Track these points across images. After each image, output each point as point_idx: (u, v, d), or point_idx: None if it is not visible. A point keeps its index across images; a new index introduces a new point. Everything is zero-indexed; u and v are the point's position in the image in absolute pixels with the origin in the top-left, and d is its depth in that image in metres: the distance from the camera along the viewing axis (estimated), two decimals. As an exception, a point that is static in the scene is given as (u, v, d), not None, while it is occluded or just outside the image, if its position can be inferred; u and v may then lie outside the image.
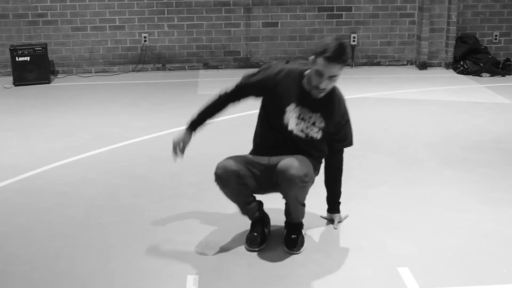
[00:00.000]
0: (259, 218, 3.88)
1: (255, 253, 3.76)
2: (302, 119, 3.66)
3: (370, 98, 7.66)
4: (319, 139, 3.71)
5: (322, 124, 3.68)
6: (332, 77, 3.50)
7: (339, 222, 4.13)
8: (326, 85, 3.51)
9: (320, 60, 3.44)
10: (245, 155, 3.81)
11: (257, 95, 3.76)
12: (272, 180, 3.62)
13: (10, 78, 8.86)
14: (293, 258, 3.71)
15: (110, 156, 5.64)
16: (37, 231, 4.14)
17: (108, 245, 3.92)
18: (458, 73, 9.07)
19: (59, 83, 8.91)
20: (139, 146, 5.93)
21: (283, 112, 3.66)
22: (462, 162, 5.37)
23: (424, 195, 4.66)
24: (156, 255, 3.77)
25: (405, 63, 9.63)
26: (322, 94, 3.59)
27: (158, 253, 3.79)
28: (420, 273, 3.52)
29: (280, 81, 3.66)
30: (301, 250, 3.77)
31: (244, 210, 3.83)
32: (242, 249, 3.82)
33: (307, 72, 3.62)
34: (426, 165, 5.29)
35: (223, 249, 3.83)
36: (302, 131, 3.67)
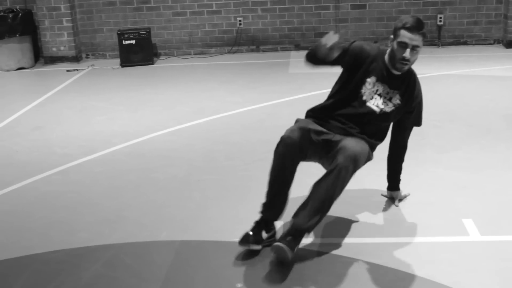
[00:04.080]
0: (267, 219, 3.76)
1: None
2: (379, 94, 3.78)
3: (454, 75, 7.94)
4: (389, 112, 3.78)
5: (398, 102, 3.80)
6: (414, 48, 3.63)
7: (400, 200, 4.23)
8: (410, 56, 3.64)
9: (403, 32, 3.60)
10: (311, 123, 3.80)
11: (348, 62, 3.75)
12: (323, 153, 3.71)
13: (118, 60, 9.68)
14: (368, 205, 4.15)
15: (208, 126, 6.25)
16: (146, 185, 4.79)
17: (205, 197, 4.51)
18: (545, 51, 9.20)
19: (161, 64, 9.68)
20: (234, 118, 6.51)
21: (363, 82, 3.77)
22: (537, 131, 5.65)
23: (496, 160, 4.99)
24: (246, 205, 4.31)
25: (492, 42, 9.80)
26: (406, 67, 3.72)
27: (248, 204, 4.31)
28: (482, 224, 3.90)
29: (370, 54, 3.78)
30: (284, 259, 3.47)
31: (273, 196, 3.71)
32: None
33: (388, 50, 3.81)
34: (501, 134, 5.60)
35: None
36: (377, 106, 3.78)
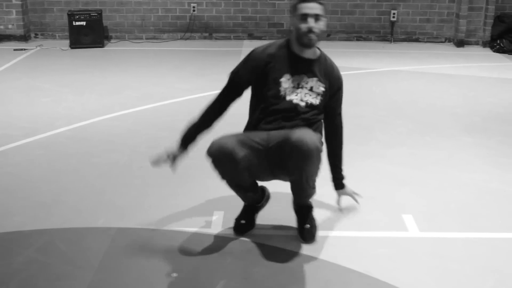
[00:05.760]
0: (254, 203, 3.85)
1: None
2: (301, 87, 3.59)
3: (404, 71, 7.99)
4: (317, 104, 3.60)
5: (321, 89, 3.62)
6: (316, 17, 3.49)
7: (346, 195, 3.92)
8: (313, 24, 3.47)
9: (299, 5, 3.51)
10: (244, 133, 3.67)
11: (252, 80, 3.63)
12: (274, 162, 3.50)
13: (67, 41, 9.49)
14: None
15: (155, 112, 6.16)
16: (86, 170, 4.68)
17: (146, 184, 4.43)
18: (494, 51, 9.34)
19: (111, 47, 9.53)
20: (182, 104, 6.43)
21: (278, 84, 3.58)
22: (481, 130, 5.71)
23: (439, 157, 5.03)
24: (187, 194, 4.25)
25: (443, 40, 9.91)
26: (313, 36, 3.49)
27: (190, 193, 4.27)
28: (422, 220, 3.91)
29: (273, 55, 3.62)
30: (316, 237, 3.71)
31: (241, 196, 3.76)
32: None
33: (292, 35, 3.61)
34: (446, 132, 5.65)
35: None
36: (302, 100, 3.58)
